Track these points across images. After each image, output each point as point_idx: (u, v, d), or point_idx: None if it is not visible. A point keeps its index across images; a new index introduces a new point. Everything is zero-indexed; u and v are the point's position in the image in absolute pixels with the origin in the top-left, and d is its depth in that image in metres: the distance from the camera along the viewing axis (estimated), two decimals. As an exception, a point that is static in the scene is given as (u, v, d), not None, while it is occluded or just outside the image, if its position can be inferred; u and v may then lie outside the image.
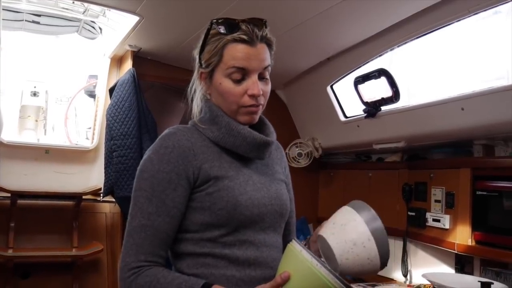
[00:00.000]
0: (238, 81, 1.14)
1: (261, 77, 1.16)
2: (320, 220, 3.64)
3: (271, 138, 1.22)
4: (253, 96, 1.14)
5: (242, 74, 1.14)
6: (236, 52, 1.13)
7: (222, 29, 1.14)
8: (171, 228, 1.11)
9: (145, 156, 1.15)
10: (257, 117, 1.19)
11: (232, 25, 1.14)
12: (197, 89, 1.23)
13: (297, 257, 0.95)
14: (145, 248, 1.07)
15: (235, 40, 1.13)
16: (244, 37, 1.12)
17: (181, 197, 1.11)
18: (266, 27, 1.17)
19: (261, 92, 1.15)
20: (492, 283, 1.69)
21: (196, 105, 1.23)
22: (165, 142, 1.13)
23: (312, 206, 3.65)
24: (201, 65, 1.19)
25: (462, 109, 2.20)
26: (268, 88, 1.19)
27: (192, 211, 1.13)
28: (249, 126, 1.23)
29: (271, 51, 1.19)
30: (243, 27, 1.13)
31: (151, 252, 1.08)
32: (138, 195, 1.10)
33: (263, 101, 1.17)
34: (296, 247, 0.97)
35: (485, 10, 1.98)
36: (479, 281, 1.72)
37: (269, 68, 1.18)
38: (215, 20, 1.16)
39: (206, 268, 1.12)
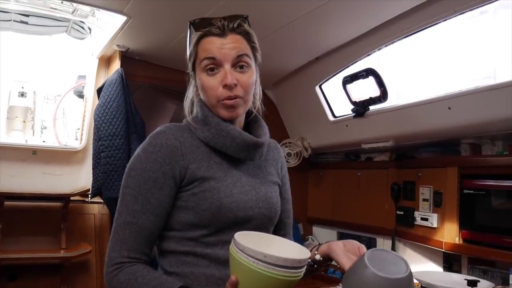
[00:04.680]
0: (212, 72, 1.13)
1: (239, 67, 1.14)
2: (310, 220, 3.66)
3: (262, 139, 1.19)
4: (226, 87, 1.11)
5: (214, 64, 1.13)
6: (207, 44, 1.14)
7: (196, 28, 1.17)
8: (156, 226, 1.11)
9: (134, 154, 1.15)
10: (239, 111, 1.15)
11: (205, 22, 1.16)
12: (189, 92, 1.24)
13: (236, 260, 0.92)
14: (129, 245, 1.08)
15: (207, 35, 1.15)
16: (214, 30, 1.14)
17: (167, 196, 1.11)
18: (244, 22, 1.17)
19: (235, 82, 1.11)
20: (479, 281, 1.70)
21: (187, 106, 1.23)
22: (154, 140, 1.13)
23: (301, 206, 3.66)
24: (189, 67, 1.21)
25: (449, 108, 2.22)
26: (247, 78, 1.14)
27: (177, 210, 1.13)
28: (243, 127, 1.22)
29: (250, 43, 1.17)
30: (216, 22, 1.15)
31: (134, 249, 1.08)
32: (125, 192, 1.11)
33: (241, 92, 1.13)
34: (233, 250, 0.94)
35: (471, 10, 1.99)
36: (465, 279, 1.73)
37: (246, 57, 1.14)
38: (191, 21, 1.18)
39: (187, 266, 1.12)
